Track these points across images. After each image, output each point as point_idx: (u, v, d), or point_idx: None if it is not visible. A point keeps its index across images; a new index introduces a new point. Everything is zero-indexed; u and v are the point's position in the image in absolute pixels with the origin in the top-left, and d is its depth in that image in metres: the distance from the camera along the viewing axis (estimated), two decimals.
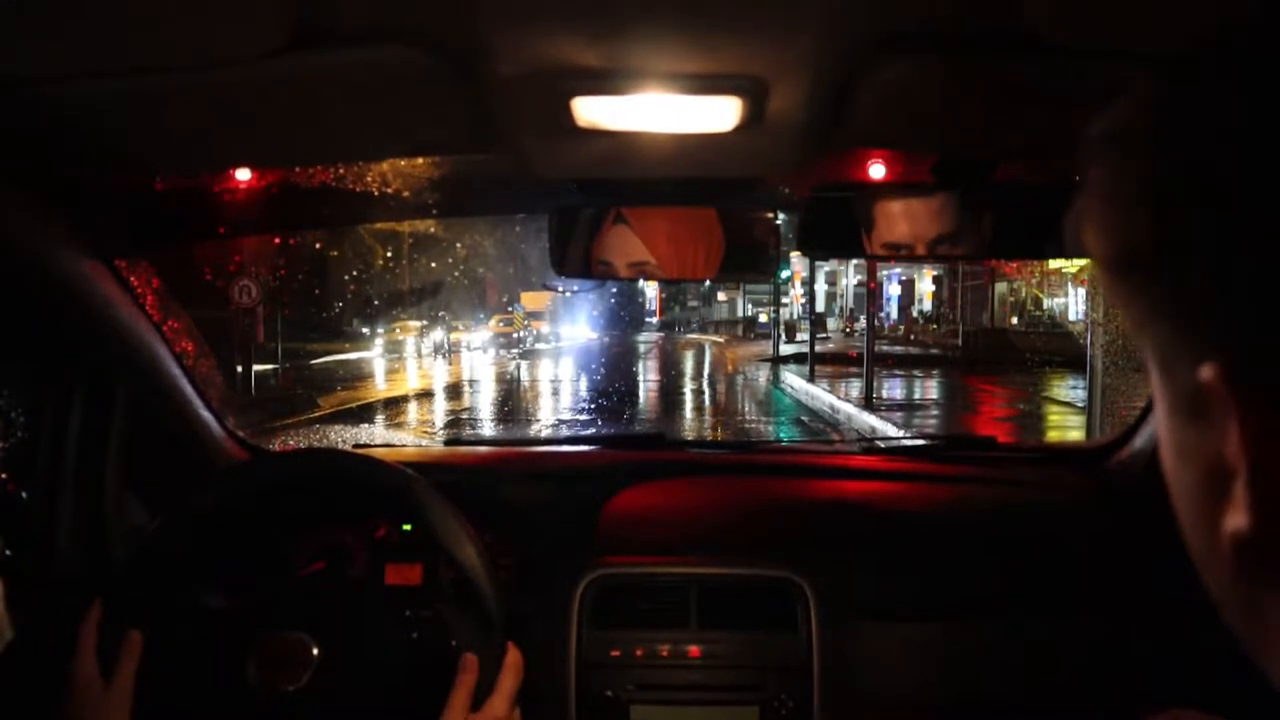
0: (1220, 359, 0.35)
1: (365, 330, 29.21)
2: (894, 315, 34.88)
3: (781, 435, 11.36)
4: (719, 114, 0.88)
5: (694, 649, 1.31)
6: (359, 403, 13.93)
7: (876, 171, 1.35)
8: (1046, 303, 25.88)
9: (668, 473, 1.66)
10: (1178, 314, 0.37)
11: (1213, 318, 0.35)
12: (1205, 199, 0.35)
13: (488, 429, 11.49)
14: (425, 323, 28.75)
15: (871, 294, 14.88)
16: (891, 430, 9.71)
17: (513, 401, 15.00)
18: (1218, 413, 0.35)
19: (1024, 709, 1.32)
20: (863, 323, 15.92)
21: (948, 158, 1.22)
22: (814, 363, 15.79)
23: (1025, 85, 0.88)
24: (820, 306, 32.93)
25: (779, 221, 1.32)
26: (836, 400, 12.35)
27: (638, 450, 1.85)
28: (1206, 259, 0.35)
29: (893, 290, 35.49)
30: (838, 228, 1.30)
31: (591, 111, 0.87)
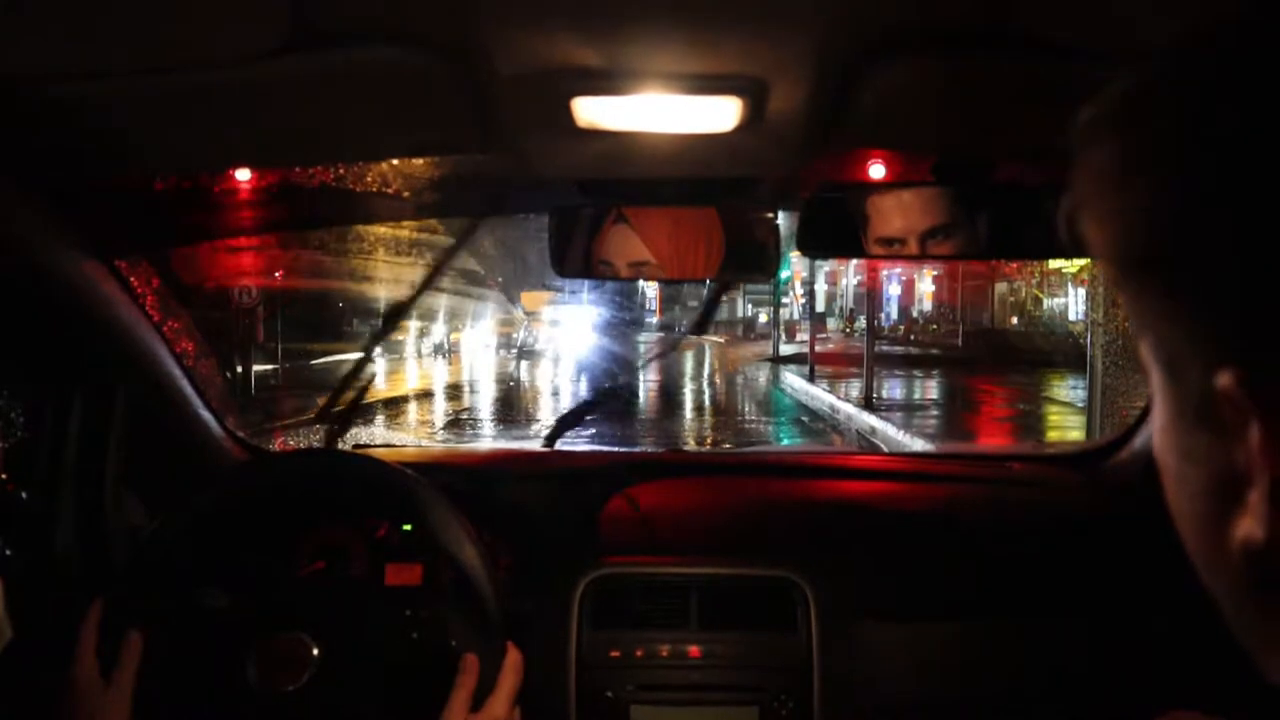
0: (1239, 365, 0.33)
1: (367, 329, 29.19)
2: (894, 315, 34.86)
3: (781, 435, 11.37)
4: (719, 114, 0.88)
5: (694, 649, 1.31)
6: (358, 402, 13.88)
7: (876, 171, 1.35)
8: (1046, 303, 25.87)
9: (667, 472, 1.66)
10: (1190, 315, 0.35)
11: (1230, 321, 0.33)
12: (1230, 193, 0.32)
13: (488, 428, 11.50)
14: (425, 323, 28.74)
15: (871, 294, 14.88)
16: (892, 430, 9.72)
17: (513, 401, 14.99)
18: (1233, 419, 0.33)
19: (1023, 710, 1.32)
20: (862, 323, 15.92)
21: (947, 158, 1.22)
22: (814, 363, 15.79)
23: (1025, 85, 0.88)
24: (820, 306, 32.89)
25: (779, 221, 1.32)
26: (836, 400, 12.36)
27: (638, 451, 1.85)
28: (1228, 260, 0.32)
29: (893, 290, 35.47)
30: (838, 228, 1.30)
31: (591, 111, 0.87)
